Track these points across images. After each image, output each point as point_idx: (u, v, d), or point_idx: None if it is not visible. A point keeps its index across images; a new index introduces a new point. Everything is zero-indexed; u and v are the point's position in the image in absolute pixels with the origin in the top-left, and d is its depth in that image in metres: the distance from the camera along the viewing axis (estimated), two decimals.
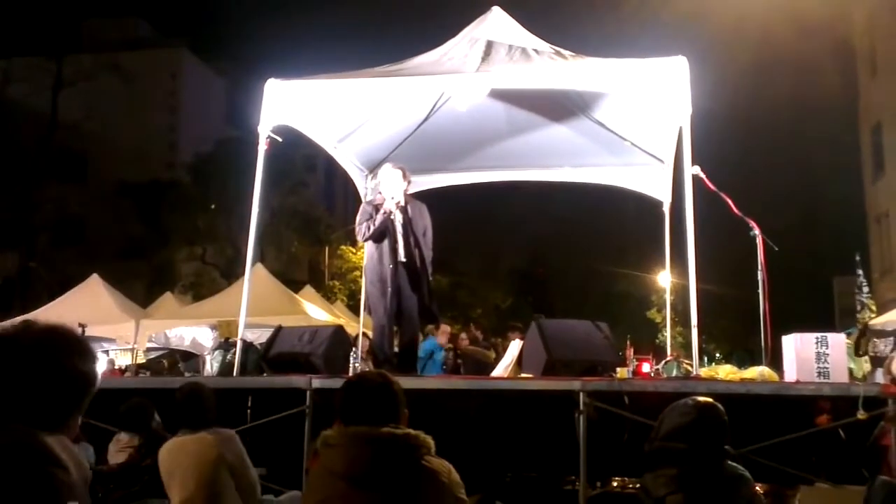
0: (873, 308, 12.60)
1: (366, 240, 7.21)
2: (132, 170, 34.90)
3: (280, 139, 7.11)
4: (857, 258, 13.42)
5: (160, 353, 15.76)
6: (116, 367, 15.20)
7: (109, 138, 36.31)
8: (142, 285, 29.17)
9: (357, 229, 7.28)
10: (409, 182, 7.35)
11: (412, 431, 2.86)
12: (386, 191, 7.22)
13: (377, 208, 7.17)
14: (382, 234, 7.10)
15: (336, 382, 5.69)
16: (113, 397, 5.85)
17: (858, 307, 12.19)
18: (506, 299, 41.29)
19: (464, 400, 5.92)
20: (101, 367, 14.25)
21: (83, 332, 12.26)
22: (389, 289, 7.01)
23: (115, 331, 15.64)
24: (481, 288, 39.98)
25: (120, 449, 5.37)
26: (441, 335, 11.41)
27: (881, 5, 26.85)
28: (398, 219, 7.11)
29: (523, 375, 6.83)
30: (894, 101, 26.14)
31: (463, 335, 12.44)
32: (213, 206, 29.52)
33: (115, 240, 32.99)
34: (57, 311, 15.45)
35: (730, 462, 3.29)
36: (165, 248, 31.30)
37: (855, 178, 30.40)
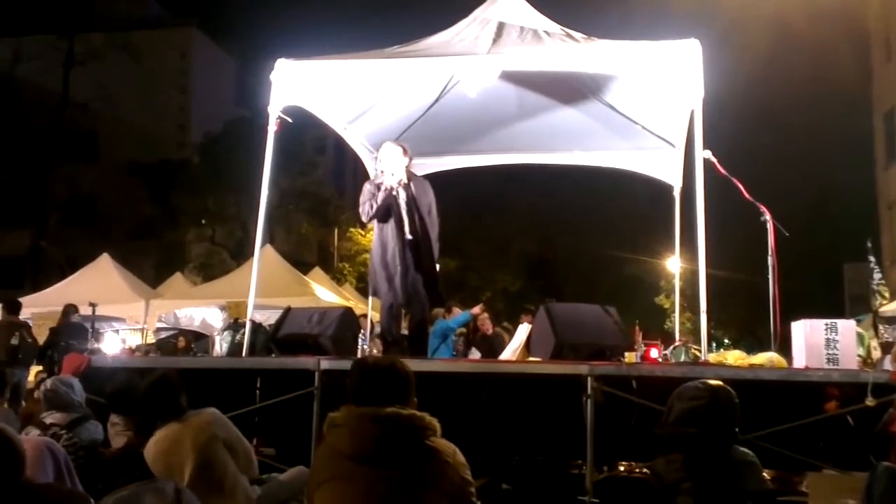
0: (885, 295, 12.54)
1: (370, 219, 7.12)
2: (142, 149, 34.93)
3: (290, 120, 7.10)
4: (869, 245, 13.34)
5: (170, 333, 15.89)
6: (127, 346, 15.29)
7: (120, 117, 36.28)
8: (151, 265, 29.27)
9: (361, 209, 7.17)
10: (409, 159, 7.18)
11: (417, 413, 2.89)
12: (387, 168, 7.08)
13: (379, 187, 7.04)
14: (387, 212, 7.00)
15: (344, 364, 5.71)
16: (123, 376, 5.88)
17: (872, 293, 12.14)
18: (515, 283, 41.25)
19: (472, 383, 5.93)
20: (112, 345, 14.33)
21: (94, 311, 12.36)
22: (399, 269, 6.93)
23: (124, 310, 15.72)
24: (491, 271, 39.94)
25: (117, 433, 5.29)
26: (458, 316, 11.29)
27: None
28: (402, 196, 6.99)
29: (531, 359, 6.83)
30: None
31: (485, 314, 12.24)
32: (220, 187, 29.53)
33: (126, 219, 33.05)
34: (67, 291, 15.54)
35: (739, 447, 3.28)
36: (175, 228, 31.36)
37: (867, 164, 30.22)
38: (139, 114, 37.01)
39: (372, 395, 2.92)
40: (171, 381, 4.62)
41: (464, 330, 11.35)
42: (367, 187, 7.17)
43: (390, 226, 7.01)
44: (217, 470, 4.32)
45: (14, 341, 10.98)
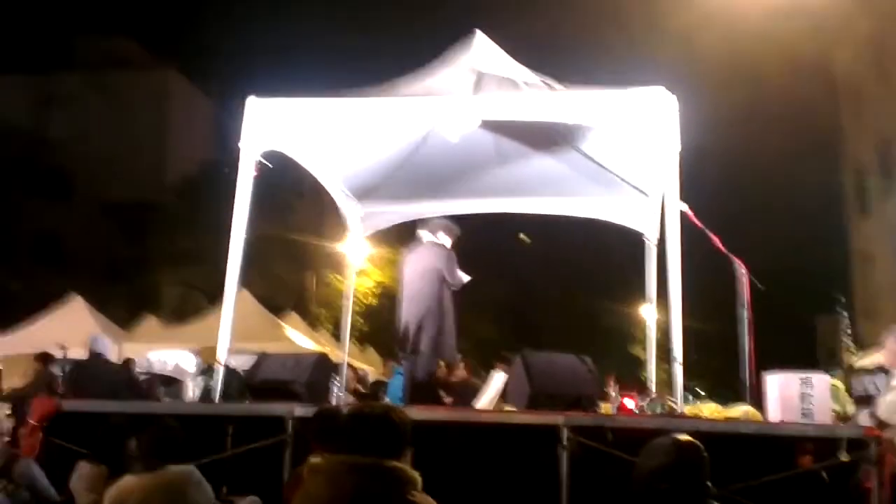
0: (854, 350, 12.62)
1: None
2: (118, 190, 34.67)
3: (270, 165, 7.08)
4: (843, 300, 13.46)
5: (142, 378, 15.57)
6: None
7: (95, 158, 36.02)
8: (124, 307, 28.88)
9: (461, 277, 8.00)
10: None
11: (399, 465, 2.82)
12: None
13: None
14: None
15: None
16: (83, 421, 5.72)
17: (843, 348, 12.23)
18: (490, 331, 41.14)
19: (446, 432, 5.87)
20: None
21: (64, 354, 12.11)
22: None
23: None
24: (466, 320, 39.81)
25: (85, 489, 4.91)
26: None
27: (865, 47, 27.24)
28: None
29: (507, 408, 6.78)
30: (878, 144, 26.43)
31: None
32: (197, 229, 29.37)
33: (99, 261, 32.71)
34: (37, 332, 15.30)
35: (712, 502, 3.26)
36: (149, 270, 31.08)
37: (839, 218, 30.66)
38: (115, 154, 36.75)
39: (361, 443, 2.84)
40: (174, 428, 4.54)
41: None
42: (454, 256, 8.04)
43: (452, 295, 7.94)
44: None
45: None
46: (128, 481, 4.29)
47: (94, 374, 8.97)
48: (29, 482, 4.97)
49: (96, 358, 9.22)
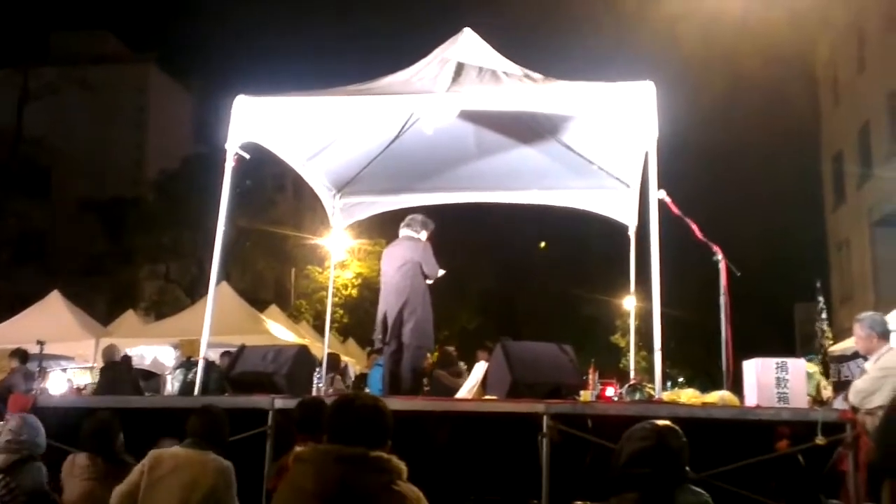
0: (829, 335, 12.75)
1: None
2: (97, 185, 34.45)
3: (247, 156, 7.06)
4: (818, 285, 13.59)
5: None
6: (75, 386, 14.89)
7: (75, 153, 35.76)
8: (103, 303, 28.72)
9: (437, 268, 7.92)
10: None
11: (385, 455, 2.82)
12: None
13: None
14: None
15: None
16: (70, 416, 5.72)
17: (819, 333, 12.36)
18: (472, 321, 41.23)
19: (427, 421, 5.89)
20: (59, 386, 13.96)
21: (41, 349, 12.03)
22: None
23: (74, 348, 15.36)
24: (448, 309, 39.91)
25: (79, 477, 4.99)
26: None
27: (844, 36, 27.42)
28: None
29: (487, 397, 6.81)
30: (854, 131, 26.63)
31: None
32: (176, 223, 29.20)
33: (78, 256, 32.43)
34: (16, 328, 15.19)
35: (691, 486, 3.28)
36: (129, 265, 30.88)
37: (817, 205, 30.88)
38: (94, 149, 36.52)
39: (347, 433, 2.84)
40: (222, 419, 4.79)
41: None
42: (430, 248, 7.97)
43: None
44: None
45: None
46: (173, 448, 4.54)
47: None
48: (32, 484, 4.96)
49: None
